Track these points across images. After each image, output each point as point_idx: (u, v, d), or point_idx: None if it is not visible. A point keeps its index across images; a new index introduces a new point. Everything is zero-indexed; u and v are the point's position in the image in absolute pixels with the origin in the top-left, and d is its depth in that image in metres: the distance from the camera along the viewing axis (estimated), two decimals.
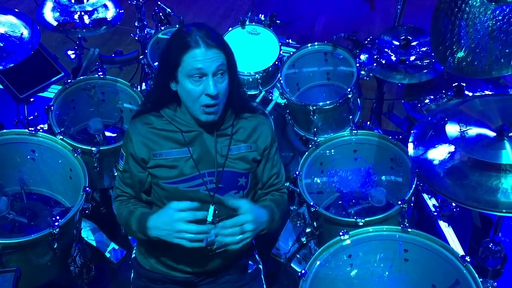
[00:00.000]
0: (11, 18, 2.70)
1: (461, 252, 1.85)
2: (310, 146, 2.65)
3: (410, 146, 1.91)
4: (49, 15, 2.83)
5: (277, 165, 1.98)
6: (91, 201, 2.33)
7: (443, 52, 1.68)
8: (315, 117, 2.74)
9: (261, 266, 2.09)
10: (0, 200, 2.36)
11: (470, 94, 2.47)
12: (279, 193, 2.01)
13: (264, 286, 2.06)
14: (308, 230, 2.59)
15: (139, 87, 3.00)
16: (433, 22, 1.74)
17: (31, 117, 2.88)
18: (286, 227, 2.94)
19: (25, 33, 2.64)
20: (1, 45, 2.54)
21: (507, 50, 1.51)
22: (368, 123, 3.21)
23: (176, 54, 1.66)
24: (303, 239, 2.61)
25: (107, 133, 2.88)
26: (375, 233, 2.00)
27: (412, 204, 2.38)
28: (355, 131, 2.65)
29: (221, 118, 1.79)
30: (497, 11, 1.57)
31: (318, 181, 2.70)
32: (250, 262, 2.04)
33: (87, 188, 2.25)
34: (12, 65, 2.45)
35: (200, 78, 1.65)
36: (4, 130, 2.44)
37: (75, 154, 2.37)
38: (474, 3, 1.58)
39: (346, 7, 5.29)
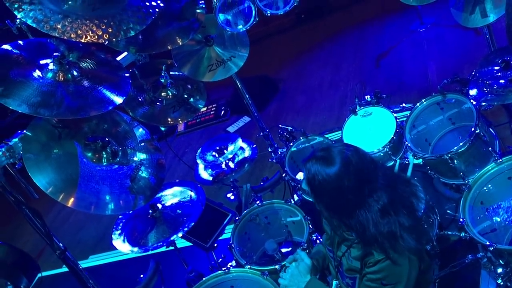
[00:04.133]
0: (177, 188, 3.28)
1: None
2: (463, 190, 2.71)
3: None
4: (204, 174, 3.45)
5: None
6: None
7: None
8: (455, 162, 2.81)
9: None
10: None
11: None
12: None
13: None
14: (499, 270, 2.56)
15: (292, 200, 3.38)
16: (511, 46, 1.86)
17: (220, 259, 3.34)
18: (482, 276, 2.89)
19: (192, 194, 3.22)
20: (180, 212, 3.13)
21: None
22: None
23: None
24: (499, 281, 2.57)
25: (283, 249, 3.21)
26: None
27: None
28: (500, 160, 2.67)
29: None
30: None
31: (488, 220, 2.71)
32: None
33: None
34: (193, 224, 2.99)
35: None
36: (204, 278, 2.88)
37: (265, 276, 2.73)
38: None
39: (450, 42, 5.26)
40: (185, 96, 2.99)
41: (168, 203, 3.12)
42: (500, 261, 2.46)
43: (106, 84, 2.35)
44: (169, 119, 2.89)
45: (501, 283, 2.57)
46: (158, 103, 2.92)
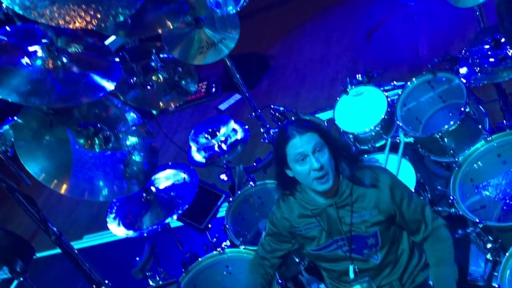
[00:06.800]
0: (170, 171, 3.28)
1: None
2: (453, 168, 2.75)
3: None
4: (197, 156, 3.45)
5: (415, 214, 2.13)
6: None
7: None
8: (445, 141, 2.85)
9: None
10: None
11: None
12: (432, 239, 2.16)
13: None
14: (489, 246, 2.62)
15: None
16: (500, 25, 1.86)
17: (214, 239, 3.39)
18: (472, 251, 2.95)
19: (186, 177, 3.24)
20: (174, 194, 3.15)
21: None
22: (504, 121, 3.17)
23: (281, 148, 2.06)
24: (489, 256, 2.64)
25: None
26: None
27: None
28: (490, 138, 2.70)
29: (337, 191, 2.09)
30: None
31: (477, 197, 2.76)
32: None
33: (280, 280, 2.62)
34: (187, 206, 3.01)
35: (303, 160, 2.01)
36: (200, 259, 2.94)
37: None
38: None
39: (441, 16, 5.16)
40: (176, 79, 2.97)
41: (161, 186, 3.14)
42: (490, 237, 2.52)
43: (97, 70, 2.32)
44: (160, 103, 2.88)
45: (490, 258, 2.64)
46: (149, 87, 2.90)
